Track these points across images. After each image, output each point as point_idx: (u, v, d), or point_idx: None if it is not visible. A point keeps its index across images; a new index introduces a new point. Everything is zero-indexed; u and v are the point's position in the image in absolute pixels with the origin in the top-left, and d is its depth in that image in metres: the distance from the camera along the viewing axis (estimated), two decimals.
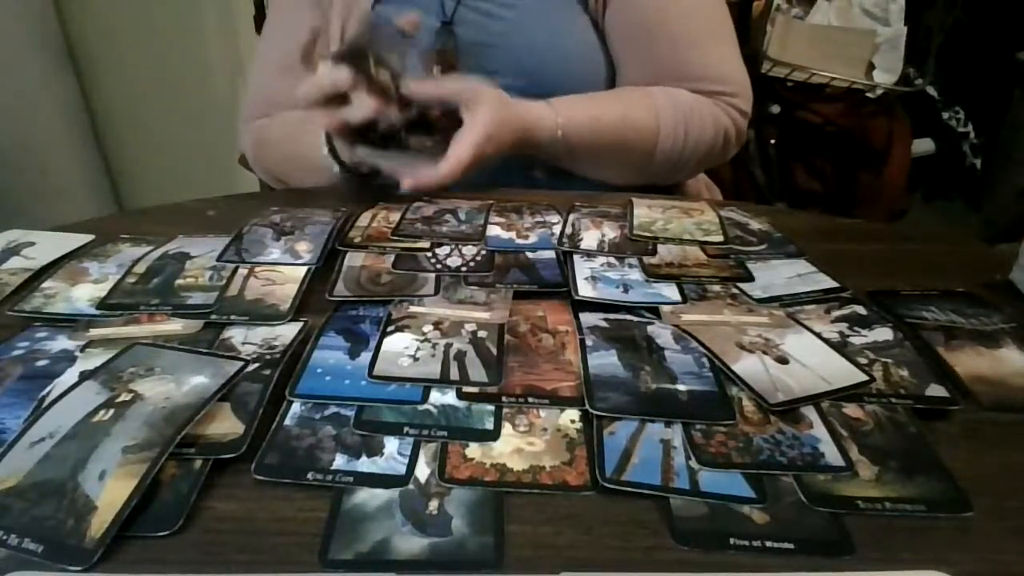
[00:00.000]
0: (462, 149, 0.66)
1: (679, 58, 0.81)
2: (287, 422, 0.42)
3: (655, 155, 0.80)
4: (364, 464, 0.39)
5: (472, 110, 0.67)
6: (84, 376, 0.45)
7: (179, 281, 0.57)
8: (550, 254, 0.63)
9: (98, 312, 0.53)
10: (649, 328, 0.52)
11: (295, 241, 0.64)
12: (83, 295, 0.56)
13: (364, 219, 0.70)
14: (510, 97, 0.71)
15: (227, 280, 0.57)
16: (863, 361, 0.49)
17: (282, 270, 0.59)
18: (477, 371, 0.47)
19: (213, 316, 0.52)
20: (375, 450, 0.40)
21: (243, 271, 0.59)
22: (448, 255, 0.63)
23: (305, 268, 0.59)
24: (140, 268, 0.59)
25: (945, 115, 1.93)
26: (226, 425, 0.41)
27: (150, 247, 0.63)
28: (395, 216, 0.70)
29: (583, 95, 0.79)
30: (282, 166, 0.87)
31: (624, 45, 0.82)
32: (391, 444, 0.41)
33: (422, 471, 0.39)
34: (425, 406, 0.44)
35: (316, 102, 0.67)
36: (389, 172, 0.70)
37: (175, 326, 0.52)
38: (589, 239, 0.66)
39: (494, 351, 0.49)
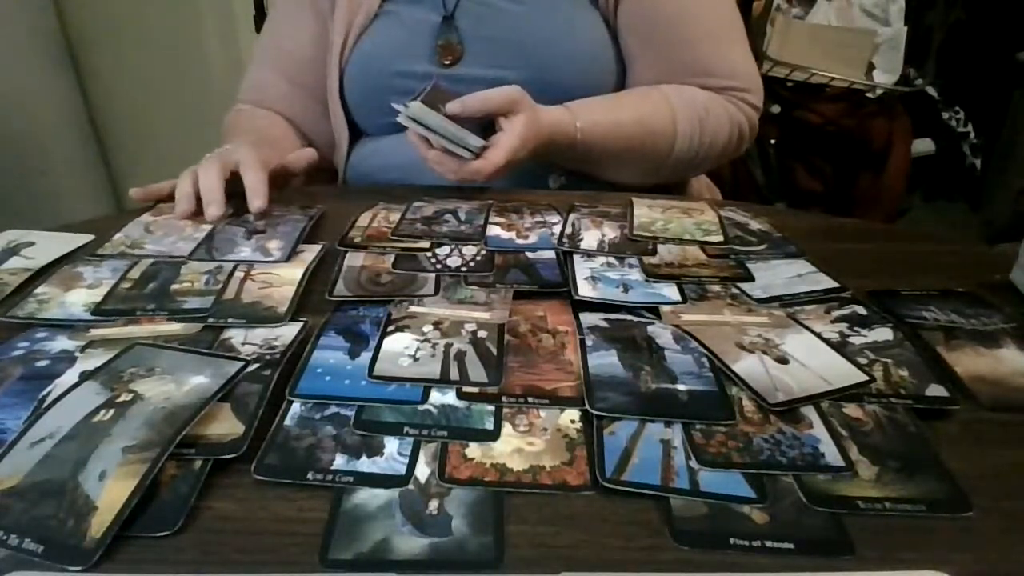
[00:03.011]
0: (499, 152, 0.68)
1: (693, 54, 0.81)
2: (287, 422, 0.42)
3: (672, 155, 0.81)
4: (364, 464, 0.39)
5: (510, 117, 0.69)
6: (84, 376, 0.45)
7: (175, 286, 0.57)
8: (550, 254, 0.63)
9: (93, 318, 0.53)
10: (649, 328, 0.52)
11: (266, 239, 0.64)
12: (78, 300, 0.55)
13: (364, 219, 0.70)
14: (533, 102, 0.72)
15: (223, 284, 0.57)
16: (863, 361, 0.49)
17: (279, 272, 0.59)
18: (477, 371, 0.47)
19: (210, 320, 0.52)
20: (375, 450, 0.40)
21: (239, 274, 0.58)
22: (448, 255, 0.63)
23: (302, 270, 0.59)
24: (135, 273, 0.59)
25: (945, 115, 1.92)
26: (226, 425, 0.41)
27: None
28: (395, 216, 0.70)
29: (599, 98, 0.79)
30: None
31: (637, 41, 0.82)
32: (391, 444, 0.41)
33: (422, 471, 0.39)
34: (425, 406, 0.44)
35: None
36: (439, 148, 0.70)
37: (175, 326, 0.52)
38: (589, 239, 0.66)
39: (494, 351, 0.49)
